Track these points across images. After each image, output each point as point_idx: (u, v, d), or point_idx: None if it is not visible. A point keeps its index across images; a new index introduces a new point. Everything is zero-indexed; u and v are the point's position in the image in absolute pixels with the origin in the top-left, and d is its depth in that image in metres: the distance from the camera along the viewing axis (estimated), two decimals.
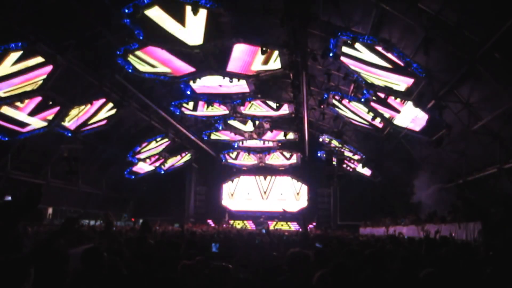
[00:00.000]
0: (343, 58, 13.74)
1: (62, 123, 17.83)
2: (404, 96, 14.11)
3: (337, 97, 17.81)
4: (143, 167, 28.43)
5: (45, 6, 12.70)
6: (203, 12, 12.32)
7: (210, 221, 33.70)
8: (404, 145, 20.52)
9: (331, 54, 13.62)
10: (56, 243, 3.07)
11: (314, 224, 31.65)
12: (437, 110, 14.40)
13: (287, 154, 32.64)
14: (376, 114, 16.52)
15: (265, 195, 35.90)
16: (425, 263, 5.15)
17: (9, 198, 19.48)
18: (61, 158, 19.43)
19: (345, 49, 13.32)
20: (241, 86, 18.01)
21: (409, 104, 14.51)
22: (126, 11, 12.48)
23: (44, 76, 14.44)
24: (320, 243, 7.72)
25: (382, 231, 19.51)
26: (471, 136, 15.15)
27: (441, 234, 8.28)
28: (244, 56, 15.23)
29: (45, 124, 17.00)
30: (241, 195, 36.31)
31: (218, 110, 21.66)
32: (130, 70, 15.54)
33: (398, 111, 15.55)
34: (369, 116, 17.33)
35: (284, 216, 33.05)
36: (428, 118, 14.53)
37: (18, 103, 15.07)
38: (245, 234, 14.85)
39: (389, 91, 14.38)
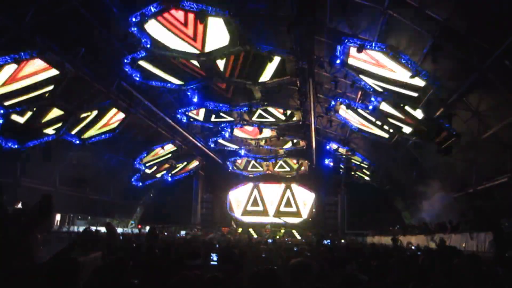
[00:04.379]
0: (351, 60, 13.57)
1: (70, 131, 17.87)
2: (412, 102, 13.93)
3: (344, 105, 17.67)
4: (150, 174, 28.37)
5: (53, 15, 12.79)
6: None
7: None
8: (413, 153, 20.29)
9: (338, 61, 13.55)
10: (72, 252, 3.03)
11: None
12: (445, 118, 14.23)
13: (294, 162, 32.45)
14: (384, 122, 16.33)
15: (271, 203, 35.63)
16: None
17: (20, 205, 19.52)
18: (70, 165, 19.47)
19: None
20: None
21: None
22: (134, 19, 12.56)
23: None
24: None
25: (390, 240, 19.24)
26: (480, 144, 14.93)
27: (451, 244, 8.10)
28: None
29: (53, 131, 17.04)
30: (247, 203, 36.10)
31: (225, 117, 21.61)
32: (137, 78, 15.57)
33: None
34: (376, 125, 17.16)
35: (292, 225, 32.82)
36: None
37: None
38: (254, 243, 14.57)
39: (398, 96, 14.21)
